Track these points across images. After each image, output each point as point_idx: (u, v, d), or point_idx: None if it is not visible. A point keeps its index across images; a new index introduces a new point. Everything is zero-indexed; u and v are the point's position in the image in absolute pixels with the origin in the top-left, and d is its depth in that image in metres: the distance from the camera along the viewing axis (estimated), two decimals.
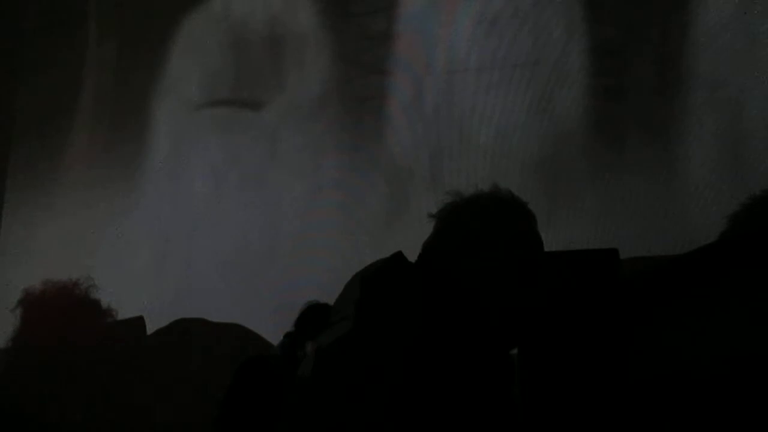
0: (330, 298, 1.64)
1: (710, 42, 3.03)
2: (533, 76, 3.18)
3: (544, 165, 3.08)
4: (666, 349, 1.78)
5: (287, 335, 2.42)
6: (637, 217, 2.90)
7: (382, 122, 3.34)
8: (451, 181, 1.68)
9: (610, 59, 3.14)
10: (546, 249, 1.64)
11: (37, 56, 3.62)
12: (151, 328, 2.69)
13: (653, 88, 3.07)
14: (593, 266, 1.92)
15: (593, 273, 1.91)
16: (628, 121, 3.07)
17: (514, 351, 1.60)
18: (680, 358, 1.76)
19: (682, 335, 1.78)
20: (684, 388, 1.72)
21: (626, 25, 3.15)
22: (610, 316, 1.84)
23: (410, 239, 1.61)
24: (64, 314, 2.39)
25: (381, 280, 1.46)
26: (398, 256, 1.52)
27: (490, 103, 3.21)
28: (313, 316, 2.43)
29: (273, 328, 2.47)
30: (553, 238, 1.67)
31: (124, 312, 2.54)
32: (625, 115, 3.09)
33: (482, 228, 1.52)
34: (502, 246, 1.52)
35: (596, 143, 3.09)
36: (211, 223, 3.36)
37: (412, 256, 1.56)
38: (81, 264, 2.89)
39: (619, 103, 3.12)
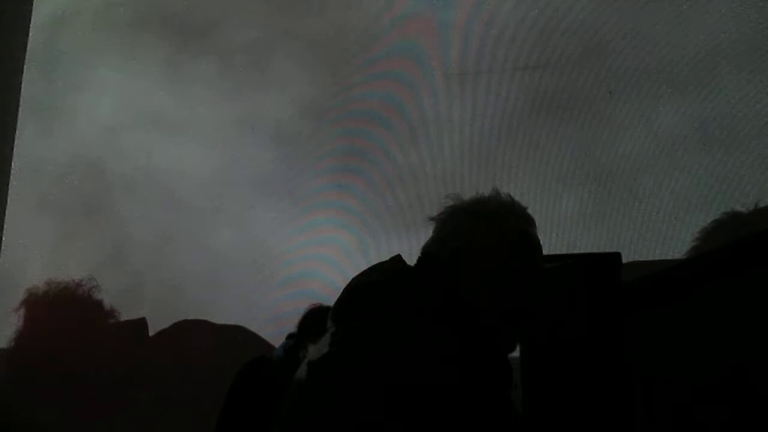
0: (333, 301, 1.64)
1: (708, 38, 3.03)
2: (537, 79, 3.18)
3: (544, 169, 3.07)
4: (667, 353, 1.78)
5: (290, 336, 2.43)
6: (639, 221, 2.90)
7: (386, 125, 3.34)
8: (452, 185, 1.68)
9: (614, 60, 3.14)
10: (545, 252, 1.64)
11: None
12: (153, 330, 2.70)
13: (652, 89, 3.07)
14: (595, 270, 1.92)
15: (595, 276, 1.91)
16: (629, 122, 3.07)
17: (514, 354, 1.60)
18: (681, 362, 1.76)
19: (682, 339, 1.78)
20: (683, 392, 1.73)
21: (629, 25, 3.15)
22: (612, 319, 1.84)
23: (413, 242, 1.61)
24: (66, 314, 2.41)
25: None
26: (397, 259, 1.53)
27: (492, 106, 3.21)
28: (315, 319, 2.44)
29: (275, 331, 2.47)
30: (553, 242, 1.67)
31: (127, 313, 2.56)
32: (625, 115, 3.08)
33: (482, 231, 1.52)
34: (501, 249, 1.52)
35: (598, 145, 3.08)
36: (215, 224, 3.37)
37: (412, 259, 1.57)
38: (84, 264, 2.91)
39: (620, 104, 3.11)
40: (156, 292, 3.10)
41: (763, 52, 2.96)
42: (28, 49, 3.63)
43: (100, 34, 3.62)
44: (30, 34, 3.64)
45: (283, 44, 3.54)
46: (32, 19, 3.66)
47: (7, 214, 3.36)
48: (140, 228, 3.28)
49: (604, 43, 3.16)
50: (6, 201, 3.33)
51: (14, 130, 3.44)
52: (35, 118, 3.54)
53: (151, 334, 2.65)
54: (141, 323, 2.64)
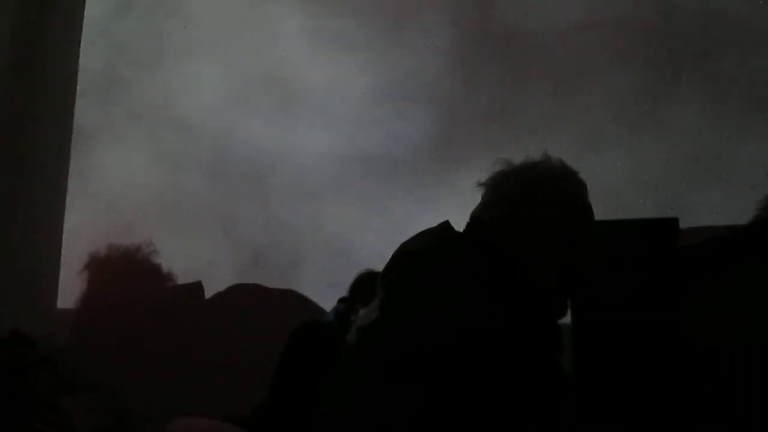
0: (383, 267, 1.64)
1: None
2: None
3: (597, 131, 2.99)
4: (724, 319, 1.74)
5: (341, 300, 2.45)
6: (701, 187, 2.82)
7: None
8: (502, 149, 1.66)
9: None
10: (598, 218, 1.61)
11: None
12: (208, 293, 2.76)
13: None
14: (651, 235, 1.89)
15: (651, 242, 1.88)
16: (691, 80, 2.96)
17: (564, 320, 1.59)
18: (739, 329, 1.72)
19: (741, 306, 1.74)
20: (741, 359, 1.69)
21: None
22: (668, 285, 1.80)
23: (464, 208, 1.60)
24: (126, 278, 2.48)
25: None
26: (445, 225, 1.52)
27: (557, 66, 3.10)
28: (367, 284, 2.45)
29: (327, 295, 2.49)
30: (607, 208, 1.63)
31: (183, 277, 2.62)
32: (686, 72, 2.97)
33: (532, 197, 1.50)
34: (551, 215, 1.49)
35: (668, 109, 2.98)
36: (267, 188, 3.37)
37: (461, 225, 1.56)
38: (145, 227, 2.97)
39: (679, 58, 2.99)
40: (211, 256, 3.14)
41: None
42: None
43: None
44: None
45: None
46: None
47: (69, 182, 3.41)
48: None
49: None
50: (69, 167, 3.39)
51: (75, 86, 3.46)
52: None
53: (206, 297, 2.72)
54: (197, 287, 2.71)
